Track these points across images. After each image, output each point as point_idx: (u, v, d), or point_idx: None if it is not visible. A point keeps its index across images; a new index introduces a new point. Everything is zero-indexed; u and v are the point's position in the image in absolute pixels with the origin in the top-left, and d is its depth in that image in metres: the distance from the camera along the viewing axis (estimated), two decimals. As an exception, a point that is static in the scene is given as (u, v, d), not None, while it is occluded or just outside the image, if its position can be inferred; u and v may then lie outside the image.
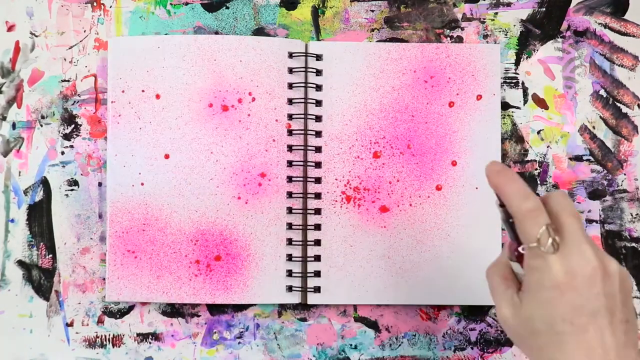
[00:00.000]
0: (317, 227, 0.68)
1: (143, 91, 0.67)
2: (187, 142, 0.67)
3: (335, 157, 0.68)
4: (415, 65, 0.68)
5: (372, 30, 0.72)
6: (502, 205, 0.50)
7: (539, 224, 0.48)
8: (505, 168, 0.51)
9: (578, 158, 0.70)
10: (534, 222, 0.48)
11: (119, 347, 0.70)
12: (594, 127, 0.71)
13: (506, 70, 0.71)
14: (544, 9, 0.71)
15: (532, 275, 0.49)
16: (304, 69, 0.69)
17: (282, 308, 0.70)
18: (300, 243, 0.69)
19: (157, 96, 0.67)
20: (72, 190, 0.71)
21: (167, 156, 0.67)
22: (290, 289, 0.68)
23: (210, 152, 0.67)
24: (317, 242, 0.68)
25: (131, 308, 0.70)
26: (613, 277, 0.48)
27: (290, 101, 0.69)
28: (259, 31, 0.71)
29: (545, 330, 0.48)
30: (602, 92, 0.71)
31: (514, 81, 0.71)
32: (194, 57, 0.68)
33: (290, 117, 0.69)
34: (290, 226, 0.68)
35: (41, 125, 0.71)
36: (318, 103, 0.69)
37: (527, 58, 0.71)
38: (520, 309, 0.49)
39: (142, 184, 0.67)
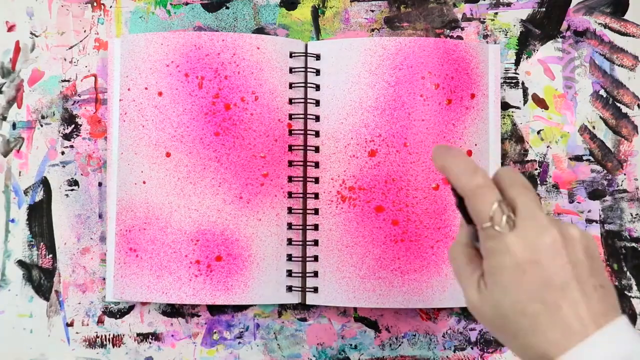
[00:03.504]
0: (316, 227, 0.68)
1: (146, 89, 0.67)
2: (189, 140, 0.67)
3: (331, 156, 0.68)
4: (413, 60, 0.68)
5: (372, 30, 0.72)
6: (453, 189, 0.47)
7: (489, 200, 0.45)
8: (450, 147, 0.48)
9: (578, 158, 0.70)
10: (484, 199, 0.45)
11: (119, 347, 0.70)
12: (594, 127, 0.71)
13: (506, 70, 0.71)
14: (544, 9, 0.71)
15: (491, 258, 0.45)
16: (303, 69, 0.69)
17: (282, 308, 0.70)
18: (300, 243, 0.68)
19: (160, 94, 0.67)
20: (72, 190, 0.71)
21: (168, 154, 0.67)
22: (290, 289, 0.68)
23: (212, 151, 0.67)
24: (316, 243, 0.68)
25: (131, 308, 0.70)
26: (575, 242, 0.45)
27: (290, 101, 0.69)
28: (259, 31, 0.71)
29: (515, 315, 0.44)
30: (602, 92, 0.71)
31: (514, 81, 0.71)
32: (197, 55, 0.67)
33: (290, 117, 0.69)
34: (290, 226, 0.68)
35: (41, 125, 0.71)
36: (317, 103, 0.69)
37: (527, 58, 0.71)
38: (486, 295, 0.46)
39: (144, 182, 0.67)
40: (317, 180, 0.68)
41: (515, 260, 0.44)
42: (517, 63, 0.71)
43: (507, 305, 0.44)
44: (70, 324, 0.70)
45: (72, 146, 0.71)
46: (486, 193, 0.45)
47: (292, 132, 0.68)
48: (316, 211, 0.68)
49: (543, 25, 0.71)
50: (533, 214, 0.44)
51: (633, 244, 0.70)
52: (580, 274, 0.44)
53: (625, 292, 0.69)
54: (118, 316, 0.70)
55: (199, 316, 0.70)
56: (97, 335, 0.70)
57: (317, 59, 0.69)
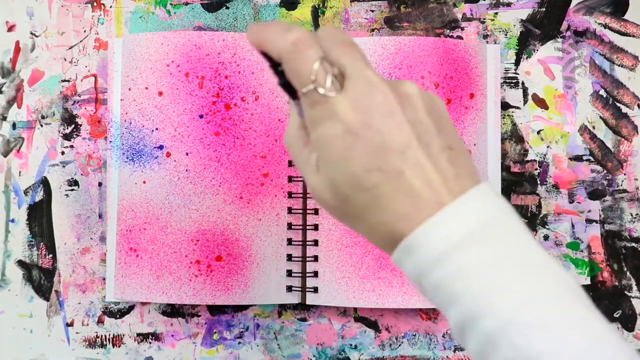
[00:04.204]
0: (316, 227, 0.68)
1: (146, 88, 0.67)
2: (189, 140, 0.67)
3: (331, 156, 0.68)
4: (412, 60, 0.68)
5: (372, 30, 0.72)
6: (273, 65, 0.41)
7: (310, 57, 0.39)
8: (263, 23, 0.42)
9: (578, 158, 0.70)
10: (303, 56, 0.39)
11: (119, 347, 0.70)
12: (594, 127, 0.71)
13: (506, 70, 0.71)
14: (544, 9, 0.71)
15: (317, 128, 0.39)
16: (304, 69, 0.69)
17: (282, 308, 0.70)
18: (300, 243, 0.68)
19: (160, 93, 0.67)
20: (72, 190, 0.71)
21: (168, 154, 0.67)
22: (290, 289, 0.68)
23: (213, 151, 0.67)
24: (316, 243, 0.68)
25: (131, 308, 0.70)
26: (414, 100, 0.39)
27: (290, 101, 0.69)
28: (259, 31, 0.71)
29: (354, 192, 0.39)
30: (602, 92, 0.71)
31: (514, 81, 0.71)
32: (197, 54, 0.67)
33: (290, 116, 0.69)
34: (290, 226, 0.68)
35: (41, 125, 0.71)
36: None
37: (527, 58, 0.71)
38: (322, 176, 0.40)
39: (144, 182, 0.67)
40: (317, 180, 0.68)
41: (344, 126, 0.38)
42: (517, 63, 0.71)
43: (342, 182, 0.39)
44: (70, 324, 0.70)
45: (72, 146, 0.71)
46: (305, 50, 0.39)
47: (292, 132, 0.68)
48: (316, 211, 0.68)
49: (543, 25, 0.71)
50: (361, 73, 0.39)
51: (633, 244, 0.70)
52: (422, 133, 0.39)
53: (625, 292, 0.69)
54: (118, 316, 0.70)
55: (199, 316, 0.70)
56: (97, 335, 0.70)
57: (317, 59, 0.69)
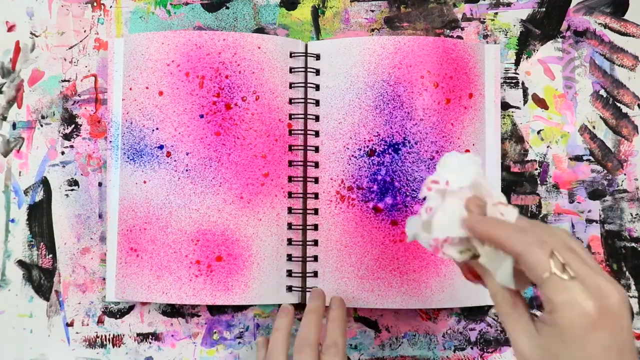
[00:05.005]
0: (316, 227, 0.68)
1: (147, 88, 0.67)
2: (190, 140, 0.67)
3: (330, 156, 0.68)
4: (412, 59, 0.68)
5: (372, 30, 0.72)
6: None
7: (546, 250, 0.44)
8: (484, 217, 0.48)
9: (578, 158, 0.70)
10: (541, 249, 0.44)
11: (119, 347, 0.70)
12: (594, 127, 0.71)
13: (506, 70, 0.71)
14: (544, 9, 0.71)
15: (560, 311, 0.43)
16: (303, 69, 0.69)
17: (282, 308, 0.70)
18: (300, 243, 0.68)
19: (160, 93, 0.67)
20: (72, 190, 0.71)
21: (169, 154, 0.67)
22: (290, 289, 0.68)
23: (213, 151, 0.67)
24: (316, 243, 0.68)
25: (131, 308, 0.70)
26: (627, 305, 0.44)
27: (290, 101, 0.69)
28: (259, 31, 0.71)
29: None
30: (602, 92, 0.71)
31: (514, 81, 0.71)
32: (197, 54, 0.67)
33: (290, 116, 0.68)
34: (290, 226, 0.68)
35: (41, 125, 0.71)
36: (317, 103, 0.69)
37: (527, 58, 0.71)
38: (539, 341, 0.45)
39: (145, 182, 0.67)
40: (316, 180, 0.68)
41: (587, 318, 0.43)
42: (517, 63, 0.71)
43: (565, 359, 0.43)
44: (70, 324, 0.70)
45: (72, 146, 0.71)
46: (542, 244, 0.45)
47: (292, 132, 0.68)
48: (316, 211, 0.68)
49: (543, 25, 0.71)
50: (594, 272, 0.44)
51: (633, 244, 0.70)
52: (631, 341, 0.44)
53: (625, 292, 0.69)
54: (118, 316, 0.70)
55: (199, 316, 0.70)
56: (97, 335, 0.70)
57: (317, 59, 0.69)
